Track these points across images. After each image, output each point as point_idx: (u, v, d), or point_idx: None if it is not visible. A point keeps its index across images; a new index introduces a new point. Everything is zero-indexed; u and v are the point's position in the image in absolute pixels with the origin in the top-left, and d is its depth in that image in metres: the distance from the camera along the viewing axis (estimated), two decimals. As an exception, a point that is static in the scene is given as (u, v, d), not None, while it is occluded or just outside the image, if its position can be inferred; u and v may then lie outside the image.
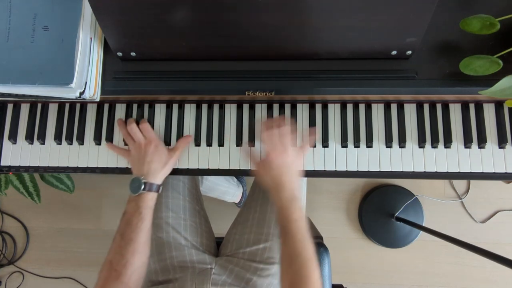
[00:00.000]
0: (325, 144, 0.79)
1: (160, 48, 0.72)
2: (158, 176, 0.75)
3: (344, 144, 0.79)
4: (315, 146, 0.80)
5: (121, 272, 0.65)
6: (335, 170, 0.79)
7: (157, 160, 0.75)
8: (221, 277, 0.78)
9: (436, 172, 0.78)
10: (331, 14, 0.64)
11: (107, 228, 1.66)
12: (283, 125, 0.74)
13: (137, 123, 0.79)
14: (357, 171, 0.79)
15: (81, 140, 0.82)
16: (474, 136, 0.78)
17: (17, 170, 0.83)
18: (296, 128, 0.76)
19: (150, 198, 0.72)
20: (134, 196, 0.72)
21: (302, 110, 0.81)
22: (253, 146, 0.80)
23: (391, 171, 0.78)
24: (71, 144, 0.82)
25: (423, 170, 0.78)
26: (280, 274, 0.66)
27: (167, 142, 0.81)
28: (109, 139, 0.81)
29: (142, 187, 0.71)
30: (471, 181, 1.59)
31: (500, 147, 0.78)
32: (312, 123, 0.80)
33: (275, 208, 0.72)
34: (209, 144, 0.81)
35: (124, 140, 0.81)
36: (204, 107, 0.82)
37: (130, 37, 0.70)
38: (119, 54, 0.74)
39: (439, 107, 0.80)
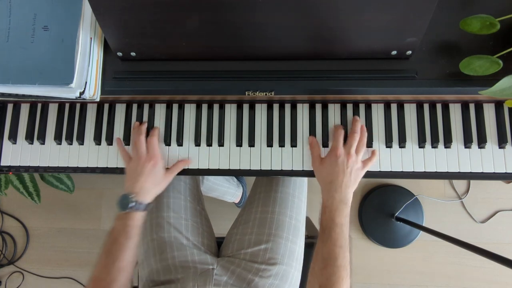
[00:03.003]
0: (325, 144, 0.79)
1: (160, 48, 0.72)
2: (149, 195, 0.75)
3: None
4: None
5: None
6: (335, 170, 0.79)
7: (151, 180, 0.75)
8: (223, 278, 0.78)
9: (436, 172, 0.78)
10: (331, 14, 0.64)
11: (107, 228, 1.64)
12: (364, 134, 0.76)
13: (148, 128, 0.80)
14: (357, 171, 0.78)
15: (81, 140, 0.82)
16: (474, 136, 0.78)
17: (17, 170, 0.83)
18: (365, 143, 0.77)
19: (138, 217, 0.72)
20: (122, 213, 0.72)
21: (302, 110, 0.81)
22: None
23: (391, 171, 0.78)
24: (71, 144, 0.82)
25: (423, 170, 0.78)
26: (310, 273, 0.66)
27: (167, 142, 0.81)
28: (109, 139, 0.81)
29: (131, 205, 0.71)
30: (471, 181, 1.59)
31: (500, 147, 0.78)
32: (312, 123, 0.80)
33: (321, 207, 0.72)
34: (209, 144, 0.81)
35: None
36: (204, 107, 0.82)
37: (130, 37, 0.70)
38: (119, 54, 0.74)
39: (439, 107, 0.80)
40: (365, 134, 0.77)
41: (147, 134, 0.79)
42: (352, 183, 0.73)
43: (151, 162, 0.75)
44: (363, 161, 0.76)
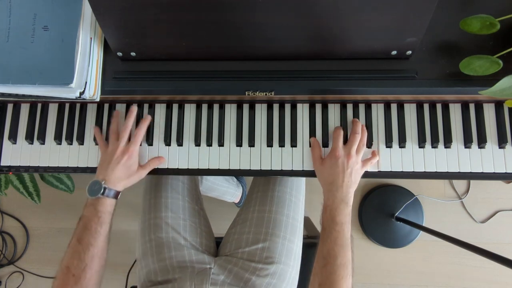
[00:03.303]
0: (325, 144, 0.79)
1: (160, 48, 0.72)
2: (119, 184, 0.74)
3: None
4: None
5: (80, 276, 0.65)
6: (335, 170, 0.79)
7: (123, 171, 0.74)
8: (220, 277, 0.78)
9: (436, 172, 0.78)
10: (331, 14, 0.64)
11: (107, 228, 1.66)
12: (365, 134, 0.77)
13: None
14: (357, 171, 0.79)
15: (81, 140, 0.82)
16: (474, 136, 0.78)
17: (17, 170, 0.83)
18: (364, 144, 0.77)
19: (109, 203, 0.72)
20: (92, 199, 0.71)
21: (302, 110, 0.81)
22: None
23: (391, 171, 0.78)
24: (71, 144, 0.82)
25: (423, 170, 0.78)
26: (312, 272, 0.66)
27: (167, 142, 0.81)
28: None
29: (101, 191, 0.71)
30: (471, 181, 1.59)
31: (500, 147, 0.78)
32: (312, 123, 0.80)
33: (323, 207, 0.73)
34: (209, 144, 0.81)
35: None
36: (204, 107, 0.82)
37: (130, 37, 0.70)
38: (119, 54, 0.74)
39: (439, 107, 0.80)
40: (365, 134, 0.77)
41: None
42: (352, 183, 0.73)
43: (126, 156, 0.74)
44: (363, 161, 0.76)
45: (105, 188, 0.71)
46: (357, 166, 0.74)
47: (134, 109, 0.79)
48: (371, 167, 0.78)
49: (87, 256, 0.67)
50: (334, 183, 0.72)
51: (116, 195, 0.74)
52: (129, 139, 0.77)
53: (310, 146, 0.80)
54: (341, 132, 0.76)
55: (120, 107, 0.83)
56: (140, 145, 0.79)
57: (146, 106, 0.82)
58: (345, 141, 0.77)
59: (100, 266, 0.69)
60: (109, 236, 0.72)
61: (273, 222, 0.84)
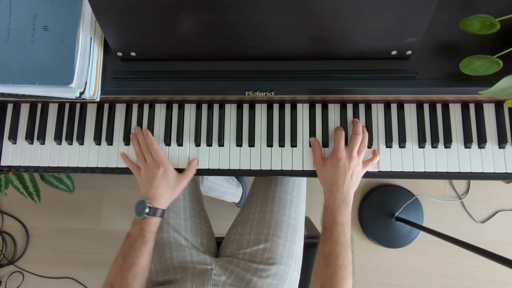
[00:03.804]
0: (325, 144, 0.79)
1: (160, 48, 0.72)
2: (164, 201, 0.75)
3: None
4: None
5: None
6: (335, 170, 0.79)
7: (164, 185, 0.75)
8: (222, 278, 0.78)
9: (436, 172, 0.78)
10: (331, 14, 0.64)
11: (107, 228, 1.65)
12: (366, 135, 0.77)
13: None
14: (357, 171, 0.78)
15: (81, 140, 0.82)
16: (474, 136, 0.78)
17: (17, 170, 0.83)
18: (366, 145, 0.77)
19: (154, 223, 0.73)
20: (138, 219, 0.72)
21: (302, 110, 0.81)
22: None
23: (391, 171, 0.78)
24: (71, 144, 0.82)
25: (423, 170, 0.78)
26: (313, 273, 0.67)
27: (167, 142, 0.81)
28: (109, 139, 0.81)
29: (147, 210, 0.72)
30: (471, 181, 1.59)
31: (500, 147, 0.78)
32: (312, 123, 0.80)
33: (323, 207, 0.73)
34: (209, 144, 0.81)
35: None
36: (204, 107, 0.82)
37: (130, 37, 0.70)
38: (119, 54, 0.74)
39: (439, 107, 0.80)
40: (366, 135, 0.77)
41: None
42: (353, 184, 0.73)
43: (161, 168, 0.75)
44: (364, 161, 0.76)
45: (150, 208, 0.72)
46: (358, 168, 0.74)
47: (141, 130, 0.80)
48: (371, 167, 0.78)
49: (130, 274, 0.68)
50: (335, 184, 0.72)
51: (162, 214, 0.74)
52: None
53: (310, 146, 0.80)
54: (343, 133, 0.76)
55: (120, 107, 0.83)
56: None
57: (146, 106, 0.82)
58: (346, 141, 0.77)
59: (141, 285, 0.70)
60: (152, 254, 0.73)
61: (274, 223, 0.84)
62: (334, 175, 0.73)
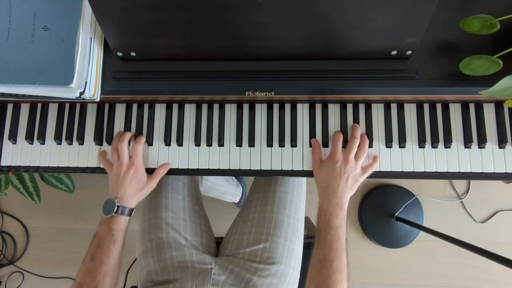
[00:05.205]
0: (325, 144, 0.79)
1: (160, 48, 0.72)
2: (132, 200, 0.75)
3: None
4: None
5: None
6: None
7: (134, 186, 0.75)
8: (221, 277, 0.78)
9: (436, 172, 0.78)
10: (331, 14, 0.64)
11: (107, 228, 1.66)
12: (366, 141, 0.76)
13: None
14: (357, 171, 0.78)
15: (81, 140, 0.82)
16: (474, 136, 0.78)
17: (17, 170, 0.83)
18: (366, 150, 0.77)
19: (122, 221, 0.73)
20: (106, 218, 0.72)
21: (302, 110, 0.81)
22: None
23: (391, 171, 0.78)
24: (71, 144, 0.82)
25: (423, 170, 0.78)
26: (308, 276, 0.67)
27: (167, 142, 0.81)
28: (109, 139, 0.81)
29: (115, 209, 0.72)
30: (471, 181, 1.59)
31: (500, 147, 0.78)
32: (312, 123, 0.80)
33: (318, 210, 0.73)
34: (209, 144, 0.81)
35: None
36: (204, 107, 0.82)
37: (130, 37, 0.70)
38: (119, 54, 0.74)
39: (439, 107, 0.80)
40: (366, 141, 0.77)
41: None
42: (348, 188, 0.73)
43: (132, 169, 0.75)
44: (364, 167, 0.76)
45: (118, 206, 0.72)
46: (355, 172, 0.74)
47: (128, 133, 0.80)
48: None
49: (99, 274, 0.68)
50: (330, 187, 0.72)
51: (130, 212, 0.75)
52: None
53: (310, 146, 0.80)
54: (341, 136, 0.76)
55: (120, 107, 0.83)
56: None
57: (146, 106, 0.83)
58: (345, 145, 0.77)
59: (112, 284, 0.69)
60: (121, 253, 0.73)
61: (274, 223, 0.84)
62: (329, 178, 0.73)
